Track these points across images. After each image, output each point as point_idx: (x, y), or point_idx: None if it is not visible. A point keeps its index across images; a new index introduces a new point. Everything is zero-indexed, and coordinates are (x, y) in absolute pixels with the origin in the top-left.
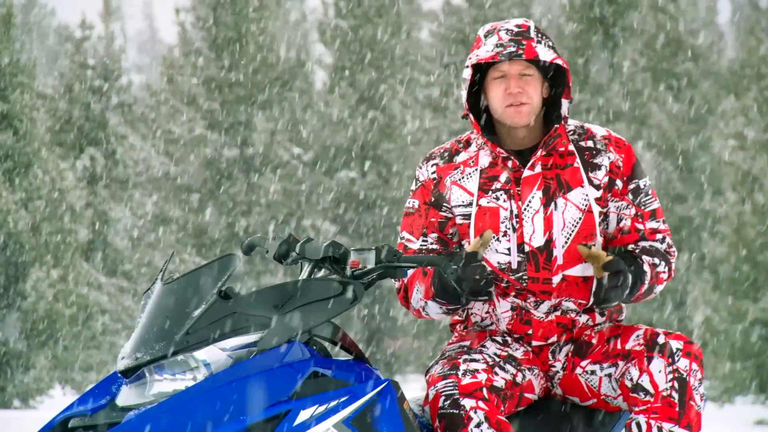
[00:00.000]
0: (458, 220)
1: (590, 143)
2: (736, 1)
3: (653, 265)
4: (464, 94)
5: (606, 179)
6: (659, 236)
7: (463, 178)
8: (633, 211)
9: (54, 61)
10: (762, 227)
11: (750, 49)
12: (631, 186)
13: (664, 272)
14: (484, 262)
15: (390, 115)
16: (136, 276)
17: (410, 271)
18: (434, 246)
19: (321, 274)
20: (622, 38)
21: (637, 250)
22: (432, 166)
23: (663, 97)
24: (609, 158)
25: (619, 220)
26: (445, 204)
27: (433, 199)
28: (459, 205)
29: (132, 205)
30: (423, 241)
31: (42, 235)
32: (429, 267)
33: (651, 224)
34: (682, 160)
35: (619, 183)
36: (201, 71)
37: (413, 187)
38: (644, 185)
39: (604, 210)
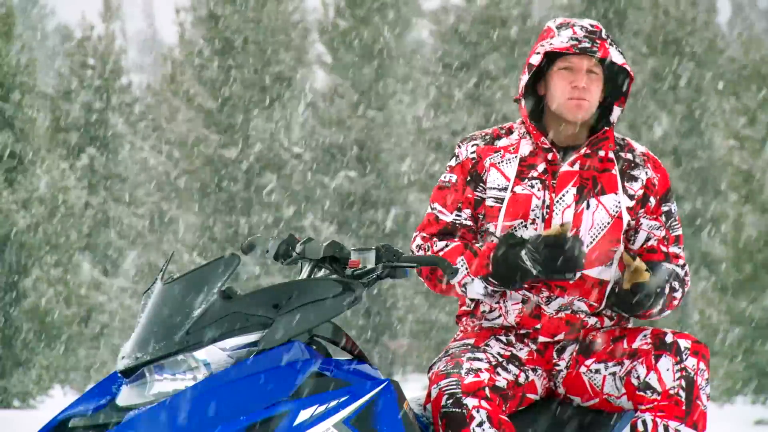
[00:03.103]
0: (489, 203)
1: (629, 156)
2: (736, 1)
3: (672, 289)
4: (524, 78)
5: (641, 192)
6: (680, 262)
7: (502, 162)
8: (663, 233)
9: (54, 61)
10: (762, 227)
11: (750, 49)
12: (664, 209)
13: (675, 299)
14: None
15: (389, 115)
16: (136, 276)
17: (410, 271)
18: (467, 222)
19: (321, 274)
20: (622, 38)
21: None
22: (472, 146)
23: (663, 97)
24: (646, 174)
25: (647, 239)
26: (481, 184)
27: (470, 178)
28: (494, 188)
29: (132, 205)
30: (457, 215)
31: (42, 235)
32: (428, 266)
33: (674, 249)
34: (683, 160)
35: (652, 200)
36: (201, 71)
37: (451, 163)
38: (674, 211)
39: (633, 221)
